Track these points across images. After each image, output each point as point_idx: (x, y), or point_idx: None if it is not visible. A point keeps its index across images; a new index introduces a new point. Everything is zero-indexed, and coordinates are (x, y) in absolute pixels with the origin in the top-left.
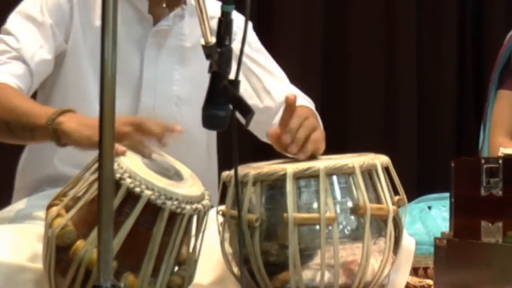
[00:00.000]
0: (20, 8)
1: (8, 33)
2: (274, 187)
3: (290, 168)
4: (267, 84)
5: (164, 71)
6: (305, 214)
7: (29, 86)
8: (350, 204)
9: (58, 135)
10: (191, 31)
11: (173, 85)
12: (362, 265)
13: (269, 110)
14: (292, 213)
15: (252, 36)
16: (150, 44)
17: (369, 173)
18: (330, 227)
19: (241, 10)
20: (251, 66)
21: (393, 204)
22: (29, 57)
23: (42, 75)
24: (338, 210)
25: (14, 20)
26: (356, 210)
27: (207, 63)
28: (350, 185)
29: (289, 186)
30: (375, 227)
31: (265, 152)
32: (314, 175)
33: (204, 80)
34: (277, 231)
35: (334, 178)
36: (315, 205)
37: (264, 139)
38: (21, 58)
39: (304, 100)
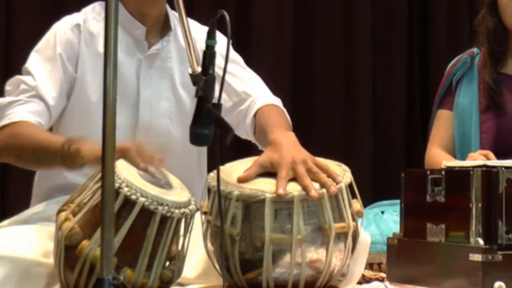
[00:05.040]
0: (38, 47)
1: (28, 73)
2: (254, 207)
3: (269, 193)
4: (237, 87)
5: (156, 89)
6: (280, 234)
7: (48, 120)
8: (317, 224)
9: (73, 158)
10: (176, 54)
11: (165, 101)
12: (326, 266)
13: (239, 112)
14: (268, 233)
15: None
16: (145, 66)
17: (335, 196)
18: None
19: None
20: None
21: (353, 220)
22: (45, 94)
23: (59, 108)
24: (308, 231)
25: (32, 59)
26: (322, 231)
27: (190, 81)
28: (318, 209)
29: (267, 209)
30: (337, 238)
31: (245, 147)
32: (289, 201)
33: (187, 97)
34: (255, 244)
35: (306, 203)
36: (288, 226)
37: (239, 134)
38: (39, 96)
39: (272, 100)
